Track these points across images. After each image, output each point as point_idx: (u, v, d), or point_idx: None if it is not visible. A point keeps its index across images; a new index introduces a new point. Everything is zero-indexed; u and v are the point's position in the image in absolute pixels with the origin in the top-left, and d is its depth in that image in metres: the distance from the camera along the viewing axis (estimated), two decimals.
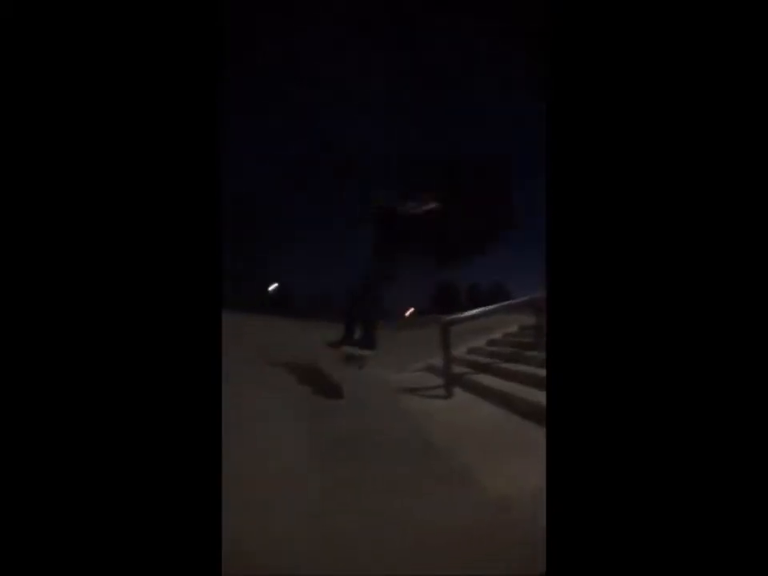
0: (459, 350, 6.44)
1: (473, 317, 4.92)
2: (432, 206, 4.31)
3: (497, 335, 6.93)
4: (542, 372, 3.73)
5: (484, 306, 5.20)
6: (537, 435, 2.54)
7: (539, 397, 3.20)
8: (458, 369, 5.07)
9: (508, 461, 2.31)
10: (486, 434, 2.91)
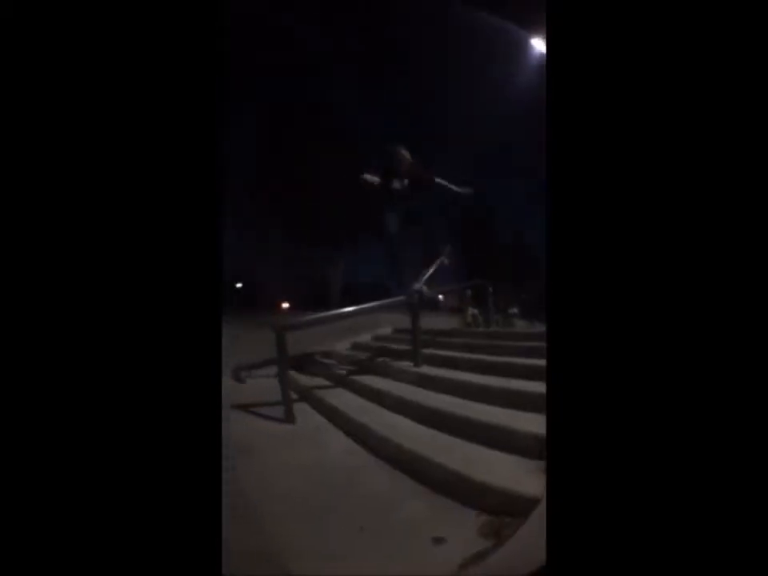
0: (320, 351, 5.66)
1: (316, 321, 4.07)
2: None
3: (364, 338, 6.13)
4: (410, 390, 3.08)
5: (362, 303, 4.24)
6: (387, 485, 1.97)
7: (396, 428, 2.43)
8: (308, 379, 4.32)
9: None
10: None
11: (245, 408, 3.51)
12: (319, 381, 4.22)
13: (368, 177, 4.31)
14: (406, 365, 3.67)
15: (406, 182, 4.42)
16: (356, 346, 5.75)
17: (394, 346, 4.65)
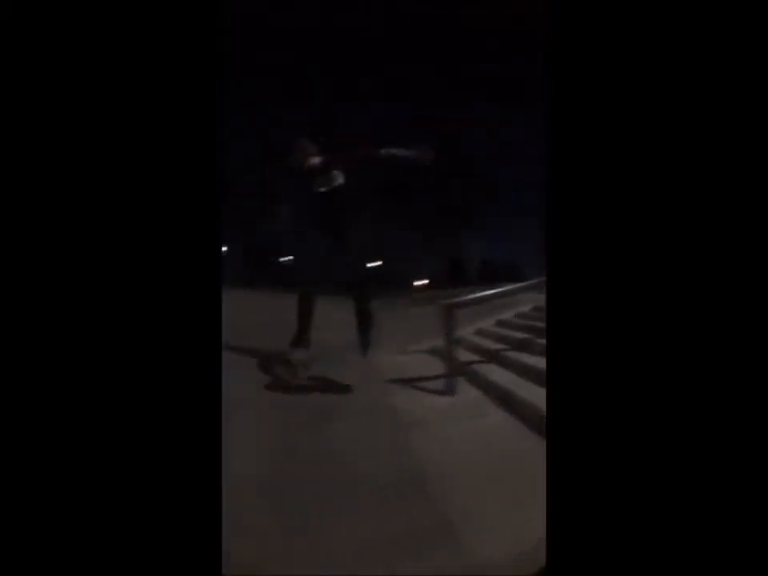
0: (466, 331, 5.91)
1: (481, 299, 4.28)
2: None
3: (508, 315, 6.35)
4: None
5: (494, 283, 4.53)
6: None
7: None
8: (463, 355, 4.53)
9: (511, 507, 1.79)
10: (491, 458, 2.34)
11: (407, 382, 3.87)
12: (471, 356, 4.53)
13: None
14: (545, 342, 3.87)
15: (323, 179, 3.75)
16: (501, 323, 6.01)
17: (538, 324, 4.82)
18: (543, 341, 4.05)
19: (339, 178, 3.80)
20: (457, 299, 3.92)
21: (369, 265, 4.22)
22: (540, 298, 5.81)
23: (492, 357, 4.31)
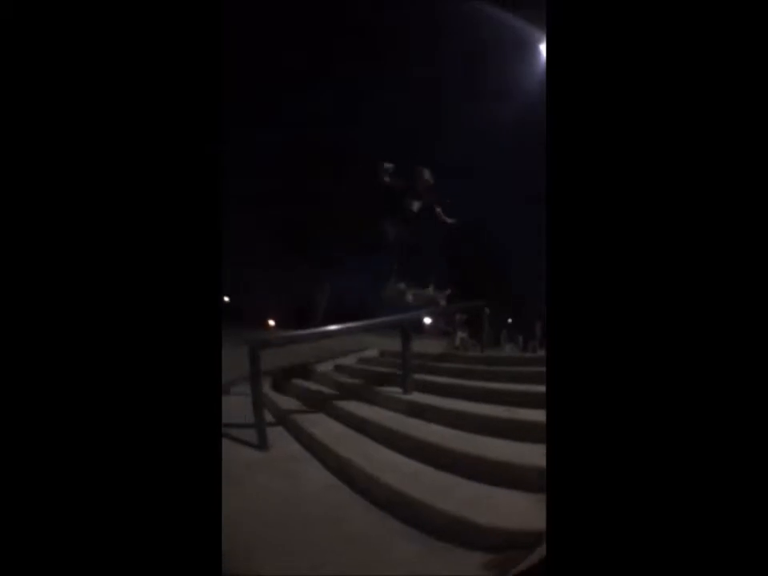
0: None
1: (299, 337, 3.90)
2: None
3: (349, 360, 5.82)
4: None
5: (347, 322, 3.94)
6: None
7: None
8: (287, 401, 4.01)
9: None
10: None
11: None
12: (298, 404, 3.88)
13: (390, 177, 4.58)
14: (394, 390, 3.37)
15: (420, 204, 4.63)
16: (339, 368, 5.45)
17: (381, 370, 4.39)
18: (386, 389, 3.56)
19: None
20: (264, 338, 3.60)
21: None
22: (390, 342, 5.43)
23: (322, 405, 3.61)
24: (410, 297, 5.00)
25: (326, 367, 5.59)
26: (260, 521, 1.77)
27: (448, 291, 5.63)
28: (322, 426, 3.00)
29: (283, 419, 3.36)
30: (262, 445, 2.75)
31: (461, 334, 7.41)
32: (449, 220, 5.01)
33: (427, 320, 8.73)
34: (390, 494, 1.85)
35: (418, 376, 3.45)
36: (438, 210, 4.84)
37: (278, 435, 3.01)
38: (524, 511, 1.54)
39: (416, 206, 4.56)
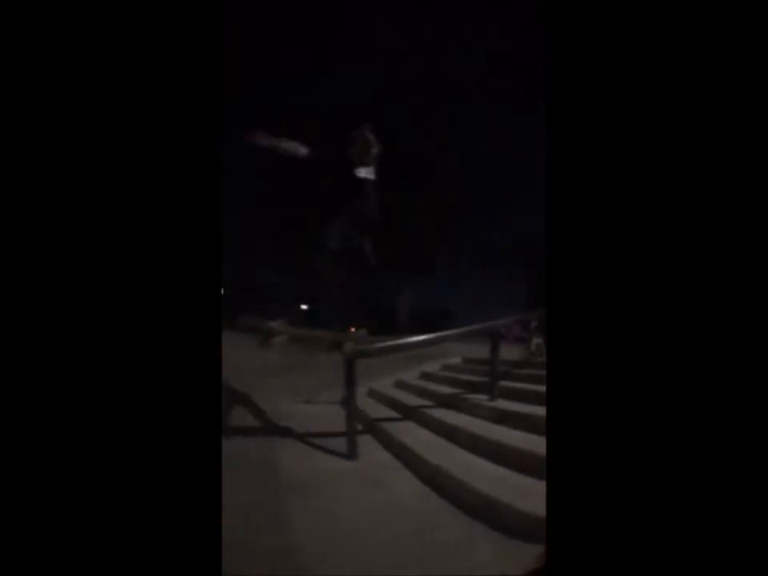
0: (382, 382, 5.38)
1: (396, 347, 3.68)
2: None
3: (433, 367, 5.81)
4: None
5: (431, 331, 3.94)
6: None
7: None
8: (379, 410, 4.00)
9: None
10: (384, 540, 1.69)
11: (302, 439, 3.25)
12: (387, 412, 3.95)
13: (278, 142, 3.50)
14: (480, 398, 3.35)
15: (372, 170, 3.65)
16: (425, 376, 5.47)
17: (466, 377, 4.36)
18: (471, 396, 3.53)
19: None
20: (361, 347, 3.34)
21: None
22: (471, 349, 5.36)
23: (410, 413, 3.64)
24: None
25: (412, 375, 5.63)
26: (349, 530, 1.81)
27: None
28: (411, 434, 3.02)
29: (372, 427, 3.41)
30: (352, 454, 2.81)
31: (536, 340, 7.17)
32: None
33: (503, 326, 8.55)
34: (478, 500, 1.86)
35: (504, 383, 3.41)
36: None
37: (366, 444, 3.04)
38: None
39: (366, 172, 3.61)
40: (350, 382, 3.05)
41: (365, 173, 3.61)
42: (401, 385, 5.25)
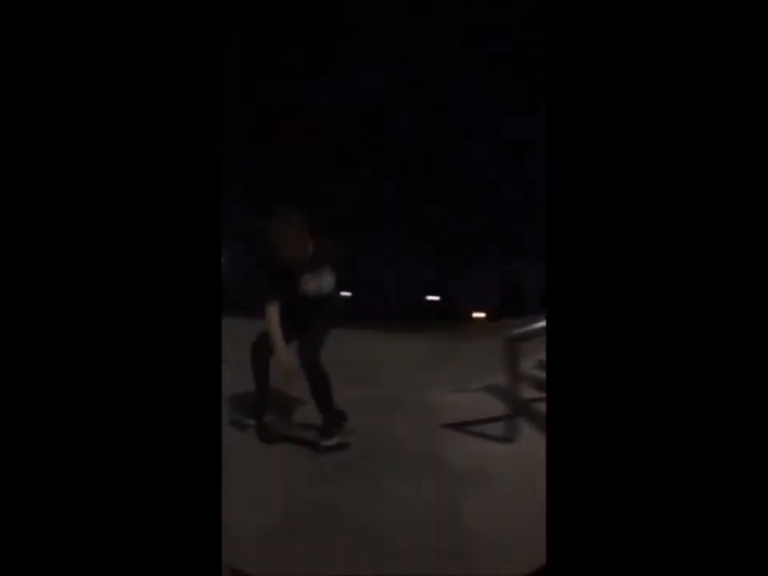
0: (526, 365, 5.28)
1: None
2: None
3: None
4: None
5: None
6: None
7: None
8: (526, 392, 3.93)
9: None
10: None
11: (458, 427, 3.38)
12: (536, 394, 3.94)
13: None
14: None
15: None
16: None
17: None
18: None
19: (330, 279, 2.86)
20: (518, 331, 3.39)
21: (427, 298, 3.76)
22: None
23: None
24: None
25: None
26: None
27: None
28: None
29: (525, 410, 3.47)
30: (510, 438, 3.01)
31: None
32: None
33: None
34: None
35: None
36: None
37: (522, 427, 3.17)
38: None
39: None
40: (513, 367, 3.26)
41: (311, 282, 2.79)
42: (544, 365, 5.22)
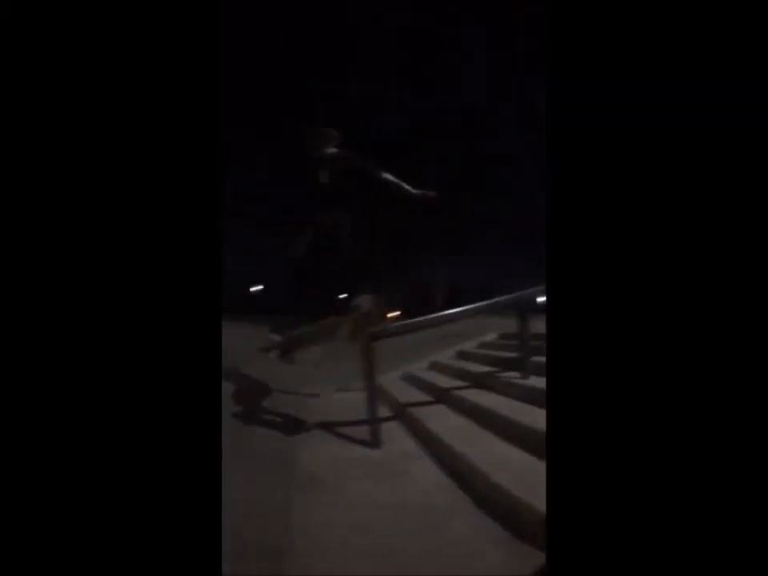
0: (418, 365, 5.29)
1: (414, 326, 3.41)
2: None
3: (469, 346, 5.61)
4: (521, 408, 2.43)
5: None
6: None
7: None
8: (408, 393, 3.89)
9: None
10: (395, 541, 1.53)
11: (324, 427, 3.12)
12: (418, 396, 3.78)
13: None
14: (512, 375, 3.14)
15: (328, 174, 3.54)
16: (461, 354, 5.29)
17: (502, 354, 4.14)
18: (505, 374, 3.34)
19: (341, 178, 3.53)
20: (379, 328, 3.12)
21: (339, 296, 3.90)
22: (507, 323, 5.11)
23: (441, 396, 3.47)
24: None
25: (446, 355, 5.47)
26: (356, 527, 1.66)
27: None
28: (439, 419, 2.85)
29: (401, 413, 3.26)
30: (375, 443, 2.66)
31: None
32: (414, 191, 3.46)
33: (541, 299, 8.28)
34: (497, 495, 1.69)
35: (537, 358, 3.14)
36: (390, 177, 3.42)
37: (392, 431, 2.90)
38: None
39: (323, 176, 3.52)
40: (368, 366, 2.85)
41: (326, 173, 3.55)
42: (436, 366, 5.08)
